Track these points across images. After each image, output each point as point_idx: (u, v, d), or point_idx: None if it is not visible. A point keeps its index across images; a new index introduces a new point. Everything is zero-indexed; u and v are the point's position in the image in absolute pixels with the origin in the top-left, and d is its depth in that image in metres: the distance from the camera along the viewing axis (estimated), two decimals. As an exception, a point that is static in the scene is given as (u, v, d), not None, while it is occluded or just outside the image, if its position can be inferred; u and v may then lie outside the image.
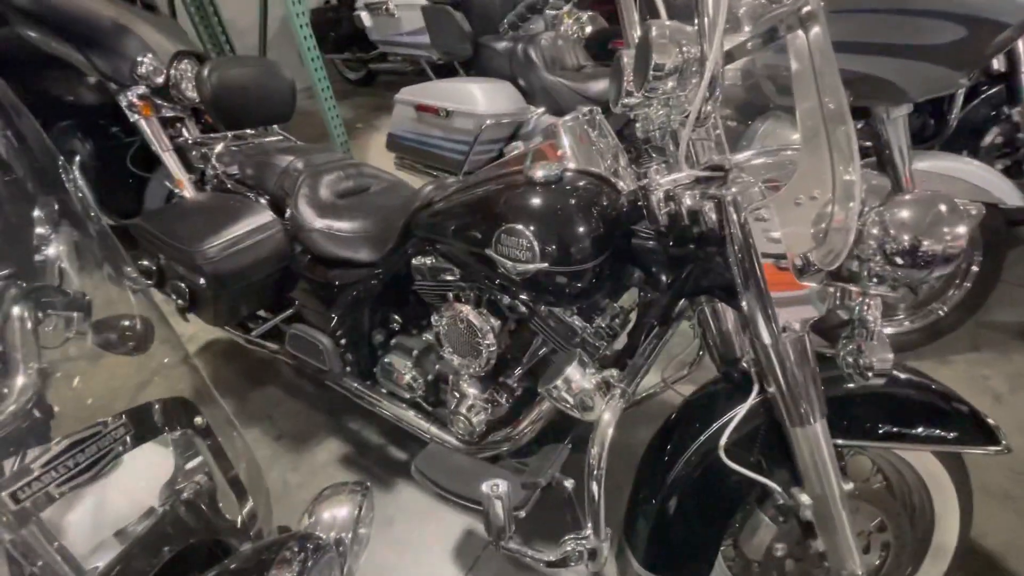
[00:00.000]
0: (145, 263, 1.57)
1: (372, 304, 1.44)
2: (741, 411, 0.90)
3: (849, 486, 0.89)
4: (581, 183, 0.97)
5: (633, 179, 1.03)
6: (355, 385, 1.50)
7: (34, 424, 0.50)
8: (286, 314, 1.63)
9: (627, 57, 0.90)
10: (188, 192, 1.94)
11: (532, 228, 0.94)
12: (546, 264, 0.94)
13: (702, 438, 0.95)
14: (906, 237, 0.67)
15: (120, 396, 0.61)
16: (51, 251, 0.70)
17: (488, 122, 2.19)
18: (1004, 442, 0.89)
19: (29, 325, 0.57)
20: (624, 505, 1.02)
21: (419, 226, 1.23)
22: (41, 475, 0.45)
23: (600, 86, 2.19)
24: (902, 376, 0.93)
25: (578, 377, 0.94)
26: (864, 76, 1.33)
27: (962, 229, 0.66)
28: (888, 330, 1.77)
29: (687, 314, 1.09)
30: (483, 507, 0.95)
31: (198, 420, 0.61)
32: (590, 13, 3.06)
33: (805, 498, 0.89)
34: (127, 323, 0.69)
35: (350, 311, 1.45)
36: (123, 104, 2.02)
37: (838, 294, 0.81)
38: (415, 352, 1.39)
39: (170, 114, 2.05)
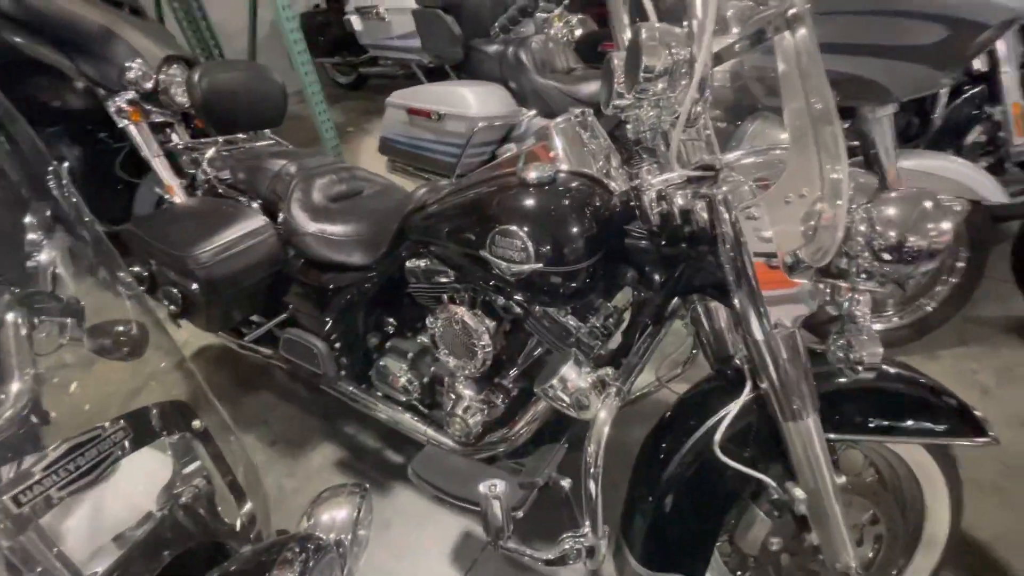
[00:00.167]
0: (136, 269, 1.56)
1: (366, 307, 1.44)
2: (735, 408, 0.91)
3: (842, 480, 0.91)
4: (574, 184, 0.98)
5: (625, 180, 1.04)
6: (350, 389, 1.49)
7: (31, 430, 0.50)
8: (280, 319, 1.62)
9: (617, 59, 0.91)
10: (179, 198, 1.93)
11: (526, 229, 0.94)
12: (540, 265, 0.95)
13: (697, 435, 0.96)
14: (893, 233, 0.69)
15: (116, 401, 0.60)
16: (43, 257, 0.70)
17: (480, 125, 2.20)
18: (992, 434, 0.91)
19: (23, 331, 0.57)
20: (621, 504, 1.02)
21: (413, 229, 1.23)
22: (42, 479, 0.45)
23: (591, 88, 2.20)
24: (892, 371, 0.95)
25: (573, 376, 0.94)
26: (850, 76, 1.35)
27: (947, 225, 0.68)
28: (877, 326, 1.80)
29: (680, 313, 1.10)
30: (481, 508, 0.95)
31: (196, 423, 0.61)
32: (580, 16, 3.08)
33: (799, 492, 0.90)
34: (121, 328, 0.69)
35: (344, 315, 1.45)
36: (111, 110, 2.00)
37: (828, 290, 0.82)
38: (410, 355, 1.39)
39: (159, 119, 2.04)
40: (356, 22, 3.76)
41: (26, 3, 2.02)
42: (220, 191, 1.68)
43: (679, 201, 0.87)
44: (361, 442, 1.79)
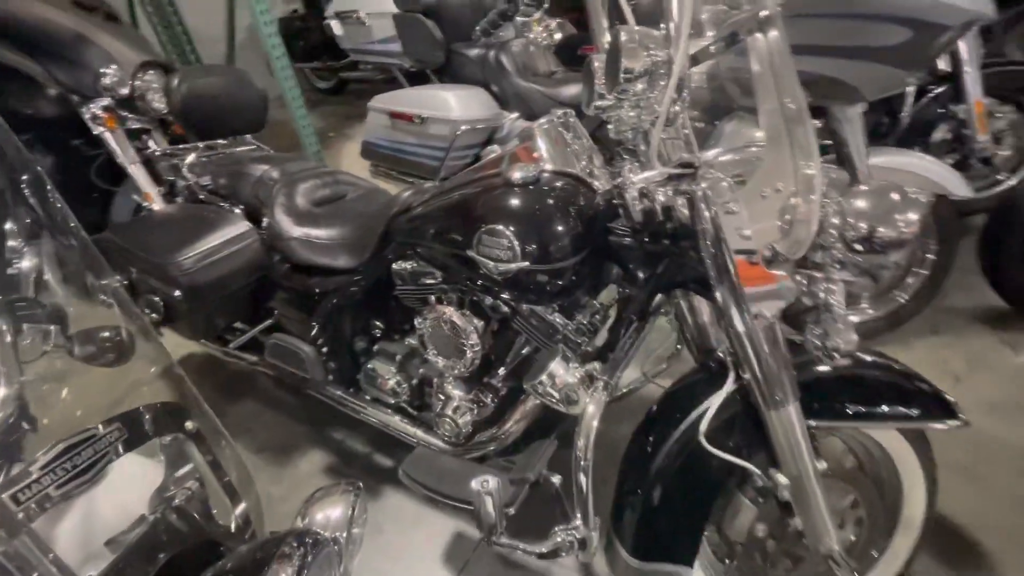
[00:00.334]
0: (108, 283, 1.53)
1: (353, 311, 1.44)
2: (719, 398, 0.93)
3: (823, 465, 0.94)
4: (558, 183, 1.00)
5: (608, 179, 1.06)
6: (338, 393, 1.49)
7: (20, 437, 0.49)
8: (264, 325, 1.61)
9: (597, 61, 0.94)
10: (157, 205, 1.90)
11: (512, 228, 0.96)
12: (527, 263, 0.96)
13: (683, 427, 0.98)
14: (863, 225, 0.72)
15: (105, 407, 0.60)
16: (25, 264, 0.69)
17: (463, 128, 2.21)
18: (963, 416, 0.94)
19: (8, 339, 0.57)
20: (610, 499, 1.04)
21: (399, 231, 1.24)
22: (40, 478, 0.45)
23: (572, 91, 2.24)
24: (867, 358, 0.98)
25: (562, 372, 0.96)
26: (821, 77, 1.40)
27: (913, 216, 0.71)
28: (853, 319, 1.85)
29: (664, 309, 1.13)
30: (474, 505, 0.96)
31: (188, 425, 0.60)
32: (559, 20, 3.12)
33: (782, 478, 0.93)
34: (106, 334, 0.68)
35: (331, 319, 1.44)
36: (86, 116, 1.96)
37: (804, 282, 0.86)
38: (398, 357, 1.39)
39: (136, 126, 2.01)
40: (336, 27, 3.75)
41: (-5, 9, 1.97)
42: (201, 197, 1.66)
43: (660, 198, 0.89)
44: (349, 447, 1.78)
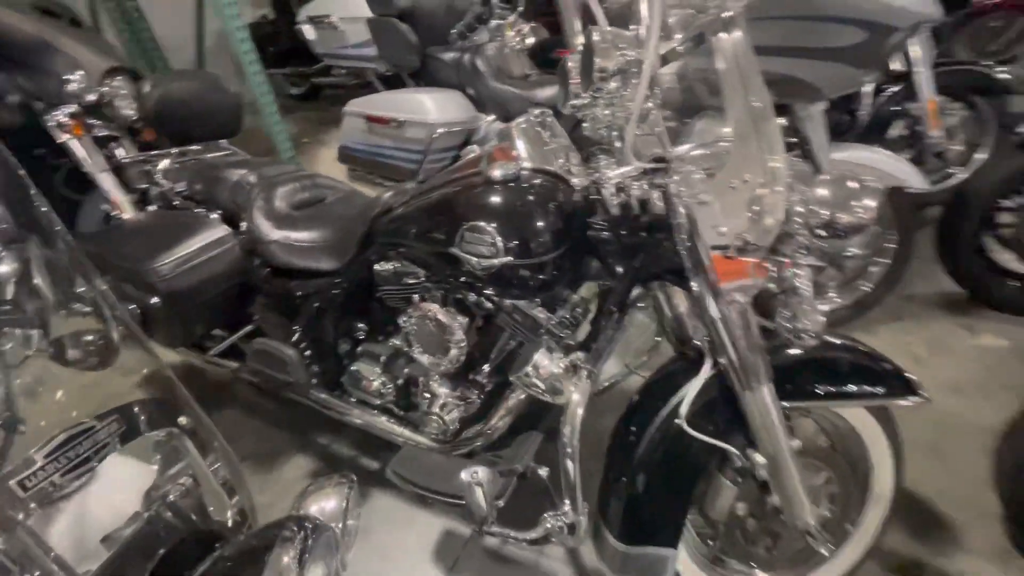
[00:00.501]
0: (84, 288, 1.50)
1: (336, 314, 1.44)
2: (697, 383, 0.97)
3: (797, 444, 0.98)
4: (537, 180, 1.03)
5: (585, 176, 1.09)
6: (323, 396, 1.48)
7: (8, 440, 0.49)
8: (245, 330, 1.59)
9: (572, 62, 0.97)
10: (128, 213, 1.86)
11: (494, 225, 0.98)
12: (510, 258, 0.99)
13: (664, 413, 1.02)
14: (825, 212, 0.77)
15: (93, 409, 0.60)
16: (3, 268, 0.68)
17: (440, 131, 2.23)
18: (924, 393, 1.00)
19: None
20: (596, 490, 1.07)
21: (381, 232, 1.25)
22: (44, 466, 0.45)
23: (548, 92, 2.27)
24: (835, 341, 1.04)
25: (546, 362, 0.99)
26: (784, 76, 1.47)
27: (870, 202, 0.76)
28: (822, 307, 1.93)
29: (643, 303, 1.17)
30: (464, 496, 0.97)
31: (182, 420, 0.61)
32: (532, 24, 3.17)
33: (759, 458, 0.97)
34: (90, 338, 0.68)
35: (314, 322, 1.44)
36: (50, 124, 1.91)
37: (773, 269, 0.90)
38: (383, 358, 1.39)
39: (103, 133, 1.96)
40: (309, 31, 3.72)
41: (-48, 15, 1.92)
42: (176, 203, 1.64)
43: (636, 192, 0.93)
44: (335, 451, 1.77)
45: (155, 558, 0.49)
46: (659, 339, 1.37)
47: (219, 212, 1.55)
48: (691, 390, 0.98)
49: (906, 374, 1.02)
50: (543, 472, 1.17)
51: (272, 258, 1.41)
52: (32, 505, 0.44)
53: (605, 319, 1.10)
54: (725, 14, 0.75)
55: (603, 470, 1.09)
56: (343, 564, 0.62)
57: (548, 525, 0.99)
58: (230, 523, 0.58)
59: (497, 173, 0.99)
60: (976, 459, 1.31)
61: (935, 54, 2.11)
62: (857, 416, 1.08)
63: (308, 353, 1.45)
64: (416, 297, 1.24)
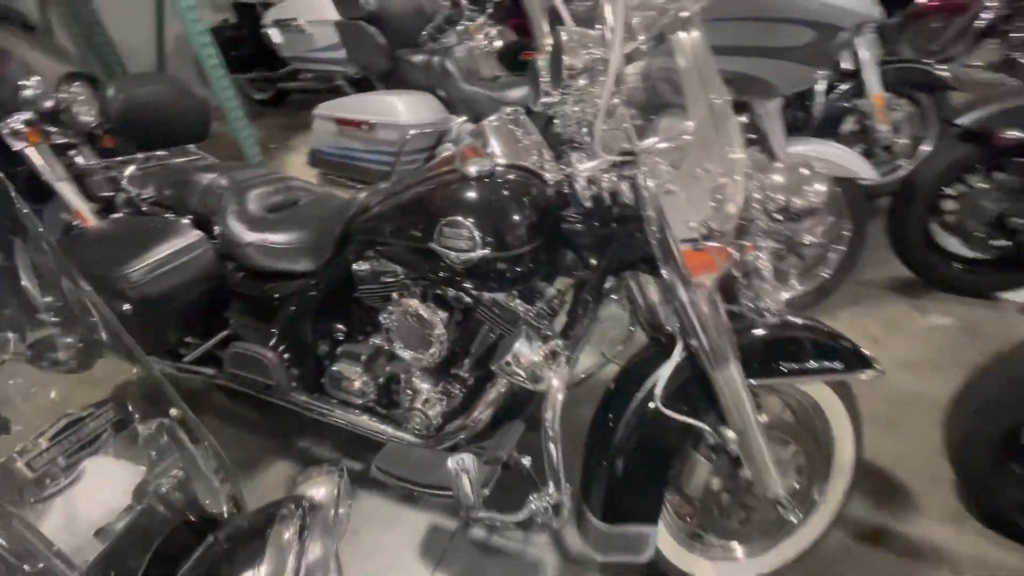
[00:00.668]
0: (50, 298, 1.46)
1: (314, 314, 1.44)
2: (670, 366, 1.02)
3: (764, 419, 1.04)
4: (512, 176, 1.06)
5: (558, 171, 1.13)
6: (303, 398, 1.48)
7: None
8: (220, 336, 1.57)
9: (541, 61, 1.01)
10: (91, 221, 1.81)
11: (472, 219, 1.01)
12: (487, 251, 1.02)
13: (639, 396, 1.07)
14: (781, 197, 0.82)
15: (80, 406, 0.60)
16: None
17: (412, 132, 2.24)
18: (879, 367, 1.07)
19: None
20: (578, 477, 1.11)
21: (358, 231, 1.26)
22: (49, 448, 0.45)
23: (518, 93, 2.31)
24: (797, 321, 1.10)
25: (526, 351, 1.02)
26: (742, 75, 1.54)
27: (821, 187, 0.82)
28: (784, 295, 2.03)
29: (617, 294, 1.21)
30: (451, 485, 1.00)
31: (173, 411, 0.61)
32: (499, 28, 3.21)
33: (730, 434, 1.03)
34: (68, 340, 0.68)
35: (292, 324, 1.44)
36: (4, 132, 1.84)
37: (736, 254, 0.96)
38: (363, 357, 1.40)
39: (61, 140, 1.91)
40: (275, 35, 3.66)
41: None
42: (144, 209, 1.61)
43: (607, 185, 0.97)
44: (316, 455, 1.77)
45: (151, 547, 0.50)
46: (633, 329, 1.42)
47: (190, 217, 1.53)
48: (664, 373, 1.03)
49: (862, 350, 1.09)
50: (526, 461, 1.20)
51: (247, 261, 1.40)
52: (31, 500, 0.44)
53: (581, 308, 1.14)
54: (683, 14, 0.80)
55: (583, 455, 1.13)
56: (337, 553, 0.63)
57: (533, 507, 1.02)
58: (225, 512, 0.59)
59: (472, 169, 1.02)
60: (930, 430, 1.40)
61: (881, 53, 2.24)
62: (819, 392, 1.14)
63: (287, 356, 1.45)
64: (395, 295, 1.26)
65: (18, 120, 1.82)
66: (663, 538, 1.14)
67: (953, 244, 2.06)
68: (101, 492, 0.57)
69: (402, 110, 2.27)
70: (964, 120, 1.83)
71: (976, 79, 3.25)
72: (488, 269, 1.06)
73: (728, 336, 0.97)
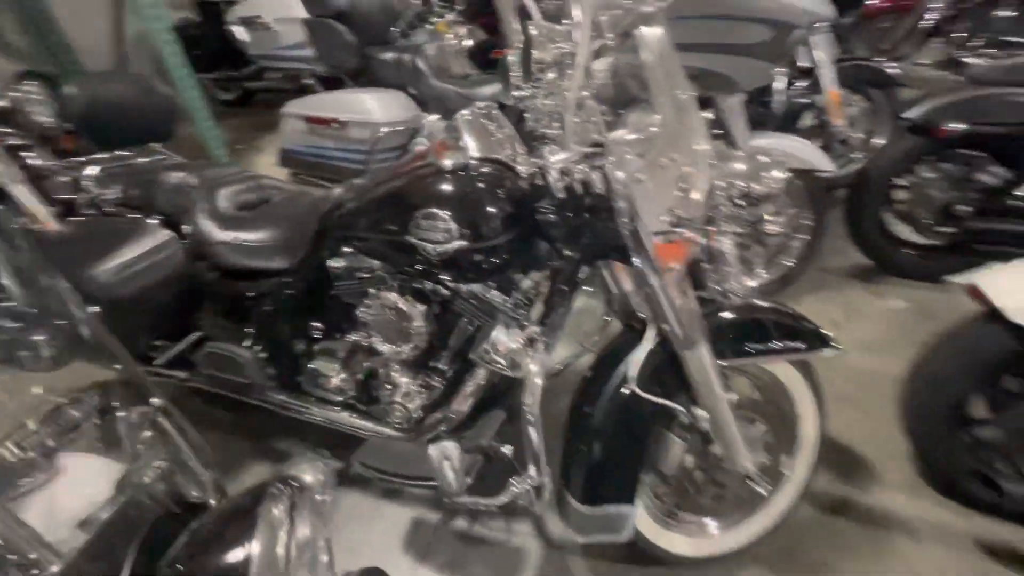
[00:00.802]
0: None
1: (290, 313, 1.43)
2: (644, 350, 1.07)
3: (733, 397, 1.09)
4: (486, 169, 1.08)
5: (530, 164, 1.16)
6: (280, 397, 1.47)
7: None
8: (193, 337, 1.55)
9: (512, 56, 1.03)
10: (52, 224, 1.75)
11: (447, 211, 1.03)
12: (464, 242, 1.04)
13: (615, 381, 1.10)
14: (741, 183, 0.87)
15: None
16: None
17: (384, 130, 2.24)
18: (837, 345, 1.13)
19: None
20: (558, 465, 1.14)
21: (334, 226, 1.26)
22: (35, 434, 0.45)
23: (490, 90, 2.33)
24: (762, 304, 1.16)
25: (504, 339, 1.04)
26: (705, 71, 1.60)
27: (778, 174, 0.87)
28: (751, 283, 2.11)
29: (592, 286, 1.25)
30: (434, 473, 1.01)
31: (155, 400, 0.61)
32: (468, 27, 3.23)
33: (701, 412, 1.07)
34: (40, 337, 0.67)
35: (267, 322, 1.42)
36: None
37: (703, 240, 1.00)
38: (341, 354, 1.40)
39: (15, 142, 1.84)
40: (241, 33, 3.58)
41: None
42: (109, 211, 1.56)
43: (578, 175, 1.00)
44: (294, 455, 1.75)
45: (138, 535, 0.50)
46: (608, 319, 1.46)
47: (158, 217, 1.50)
48: (638, 357, 1.07)
49: (823, 331, 1.15)
50: (507, 450, 1.23)
51: (220, 260, 1.39)
52: (10, 494, 0.44)
53: (557, 297, 1.17)
54: (646, 9, 0.84)
55: (563, 441, 1.16)
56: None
57: (515, 490, 1.04)
58: (212, 502, 0.59)
59: (447, 162, 1.04)
60: (888, 406, 1.48)
61: (836, 52, 2.35)
62: (784, 371, 1.20)
63: (263, 354, 1.44)
64: (372, 290, 1.26)
65: (-34, 121, 1.75)
66: (641, 517, 1.18)
67: (905, 232, 2.18)
68: (82, 486, 0.57)
69: (374, 108, 2.26)
70: (911, 114, 1.94)
71: (923, 76, 3.44)
72: (465, 260, 1.08)
73: (697, 320, 1.02)
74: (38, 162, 1.83)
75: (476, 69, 2.76)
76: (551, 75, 0.93)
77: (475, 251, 1.06)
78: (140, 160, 1.65)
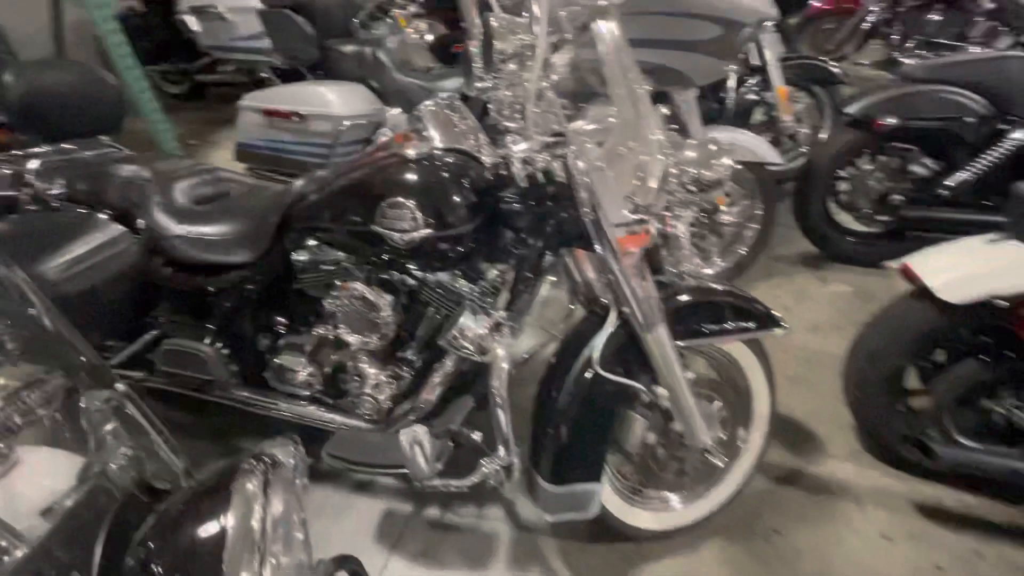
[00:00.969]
0: None
1: (253, 307, 1.41)
2: (606, 332, 1.11)
3: (691, 375, 1.15)
4: (450, 159, 1.10)
5: (494, 154, 1.18)
6: (245, 394, 1.44)
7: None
8: (150, 336, 1.50)
9: (474, 48, 1.06)
10: None
11: (413, 200, 1.04)
12: (429, 231, 1.05)
13: (579, 364, 1.14)
14: (692, 170, 0.92)
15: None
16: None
17: (346, 123, 2.21)
18: (786, 325, 1.21)
19: None
20: (526, 451, 1.17)
21: (297, 218, 1.25)
22: (3, 407, 0.43)
23: (452, 84, 2.34)
24: (716, 287, 1.22)
25: (472, 324, 1.07)
26: (660, 66, 1.66)
27: (726, 160, 0.93)
28: (708, 271, 2.20)
29: (556, 276, 1.29)
30: (404, 459, 1.02)
31: (119, 386, 0.59)
32: (429, 21, 3.22)
33: (662, 391, 1.13)
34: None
35: (229, 318, 1.40)
36: None
37: (659, 225, 1.05)
38: (307, 348, 1.39)
39: None
40: (193, 23, 3.43)
41: None
42: (55, 206, 1.49)
43: (541, 164, 1.03)
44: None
45: (105, 519, 0.49)
46: (573, 307, 1.50)
47: (109, 212, 1.44)
48: (600, 340, 1.11)
49: (772, 311, 1.22)
50: (477, 436, 1.25)
51: (177, 254, 1.35)
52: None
53: (522, 285, 1.20)
54: (600, 3, 0.87)
55: (531, 425, 1.19)
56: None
57: (485, 470, 1.07)
58: (183, 481, 0.59)
59: (411, 151, 1.05)
60: (834, 382, 1.59)
61: (783, 51, 2.47)
62: (738, 351, 1.27)
63: (226, 351, 1.41)
64: (338, 281, 1.26)
65: None
66: (607, 495, 1.23)
67: (848, 220, 2.33)
68: (42, 477, 0.56)
69: (335, 101, 2.23)
70: (850, 109, 2.07)
71: (863, 75, 3.65)
72: (431, 249, 1.09)
73: (656, 303, 1.07)
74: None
75: (438, 63, 2.75)
76: (512, 66, 0.95)
77: (441, 239, 1.08)
78: (87, 153, 1.57)
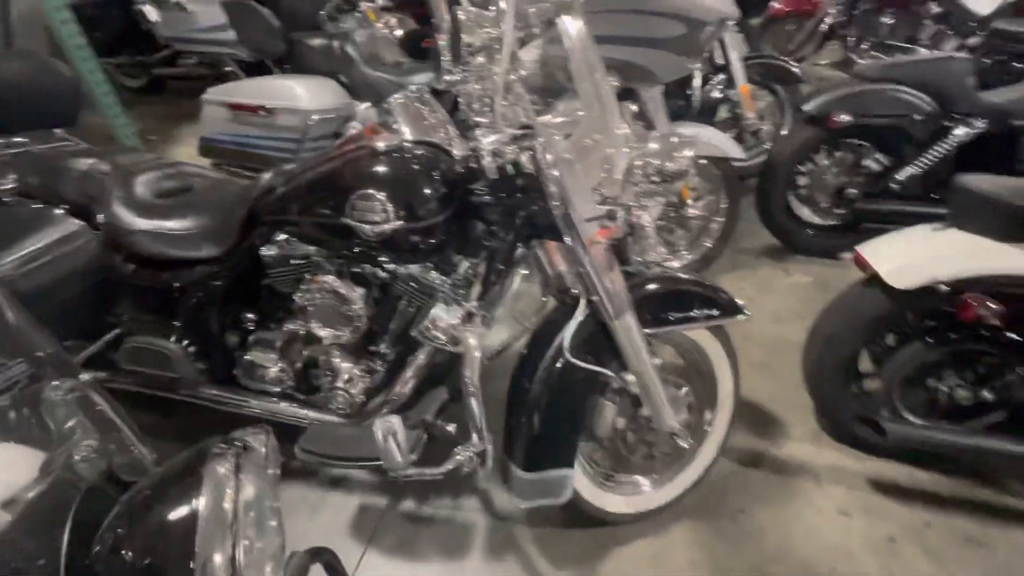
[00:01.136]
0: None
1: (220, 304, 1.38)
2: (576, 321, 1.13)
3: (658, 361, 1.19)
4: (419, 151, 1.11)
5: (464, 147, 1.19)
6: (213, 392, 1.42)
7: None
8: (111, 335, 1.45)
9: (442, 41, 1.06)
10: None
11: (383, 192, 1.04)
12: (400, 223, 1.06)
13: (551, 352, 1.17)
14: (656, 162, 0.95)
15: None
16: None
17: (315, 117, 2.18)
18: (748, 312, 1.26)
19: None
20: (500, 442, 1.19)
21: (265, 212, 1.24)
22: None
23: (422, 78, 2.33)
24: (682, 276, 1.26)
25: (444, 315, 1.08)
26: (626, 63, 1.70)
27: (688, 152, 0.97)
28: (675, 263, 2.26)
29: (528, 268, 1.31)
30: (379, 451, 1.03)
31: (84, 376, 0.58)
32: (398, 16, 3.19)
33: (630, 377, 1.16)
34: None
35: (196, 315, 1.37)
36: None
37: (625, 215, 1.08)
38: (278, 343, 1.37)
39: None
40: (152, 13, 3.30)
41: None
42: (6, 201, 1.43)
43: (510, 156, 1.05)
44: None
45: (71, 508, 0.48)
46: (545, 300, 1.52)
47: (65, 207, 1.39)
48: (570, 328, 1.14)
49: (735, 300, 1.27)
50: (451, 428, 1.26)
51: (140, 250, 1.31)
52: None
53: (494, 276, 1.21)
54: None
55: (505, 414, 1.21)
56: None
57: (460, 457, 1.08)
58: (149, 470, 0.58)
59: (381, 144, 1.06)
60: (795, 369, 1.66)
61: (745, 50, 2.56)
62: (703, 338, 1.32)
63: (193, 348, 1.38)
64: (308, 276, 1.25)
65: None
66: (579, 481, 1.26)
67: (807, 214, 2.43)
68: (1, 472, 0.54)
69: (303, 95, 2.20)
70: (807, 107, 2.15)
71: (821, 75, 3.80)
72: (402, 241, 1.10)
73: (624, 292, 1.10)
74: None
75: (408, 58, 2.74)
76: (480, 59, 0.97)
77: (412, 231, 1.08)
78: (40, 147, 1.51)
